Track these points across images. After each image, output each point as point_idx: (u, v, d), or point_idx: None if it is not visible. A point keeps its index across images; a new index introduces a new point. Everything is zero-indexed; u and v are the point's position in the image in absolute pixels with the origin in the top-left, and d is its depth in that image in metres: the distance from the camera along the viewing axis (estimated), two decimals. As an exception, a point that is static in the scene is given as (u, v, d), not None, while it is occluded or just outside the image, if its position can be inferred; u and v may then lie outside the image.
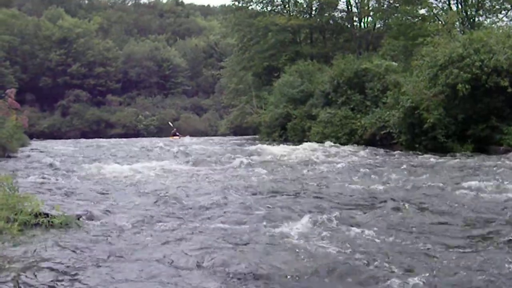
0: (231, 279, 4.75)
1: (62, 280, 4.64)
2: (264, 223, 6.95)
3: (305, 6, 48.45)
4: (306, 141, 27.62)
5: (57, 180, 11.95)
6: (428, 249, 5.67)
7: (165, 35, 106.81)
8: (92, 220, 7.20)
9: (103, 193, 9.95)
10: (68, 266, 5.03)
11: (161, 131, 76.47)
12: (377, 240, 6.00)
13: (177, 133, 52.93)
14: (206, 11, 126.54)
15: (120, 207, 8.35)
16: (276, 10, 49.30)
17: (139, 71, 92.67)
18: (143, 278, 4.73)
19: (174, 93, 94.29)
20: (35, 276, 4.69)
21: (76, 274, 4.80)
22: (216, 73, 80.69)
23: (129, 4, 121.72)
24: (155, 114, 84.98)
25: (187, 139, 45.40)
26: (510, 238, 5.94)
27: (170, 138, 49.09)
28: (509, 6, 34.89)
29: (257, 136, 46.20)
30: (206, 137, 56.08)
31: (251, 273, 4.86)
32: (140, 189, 10.49)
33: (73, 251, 5.57)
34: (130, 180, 12.05)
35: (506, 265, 4.91)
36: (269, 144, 27.82)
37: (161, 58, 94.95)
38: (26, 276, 4.64)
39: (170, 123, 61.02)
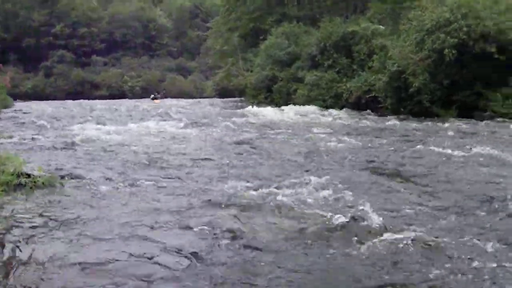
0: (212, 239, 4.80)
1: (42, 239, 4.64)
2: (250, 183, 6.98)
3: (293, -34, 47.82)
4: (293, 104, 27.57)
5: (40, 141, 11.88)
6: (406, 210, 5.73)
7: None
8: (76, 180, 7.18)
9: (87, 154, 9.91)
10: (49, 226, 5.03)
11: (146, 92, 75.97)
12: (365, 201, 6.04)
13: (157, 96, 52.03)
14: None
15: (103, 168, 8.32)
16: (263, -31, 48.65)
17: (124, 32, 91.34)
18: (124, 238, 4.74)
19: (160, 54, 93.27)
20: (13, 235, 4.69)
21: (57, 233, 4.80)
22: (201, 34, 79.80)
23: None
24: (140, 75, 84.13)
25: (167, 102, 44.55)
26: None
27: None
28: (498, -30, 34.66)
29: (243, 98, 46.08)
30: (191, 100, 55.71)
31: (232, 234, 4.91)
32: (124, 150, 10.45)
33: (56, 211, 5.56)
34: (114, 141, 11.98)
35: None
36: (255, 106, 27.71)
37: (146, 18, 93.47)
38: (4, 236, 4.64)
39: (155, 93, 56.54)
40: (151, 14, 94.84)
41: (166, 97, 56.71)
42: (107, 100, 52.03)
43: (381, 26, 30.74)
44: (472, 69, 20.93)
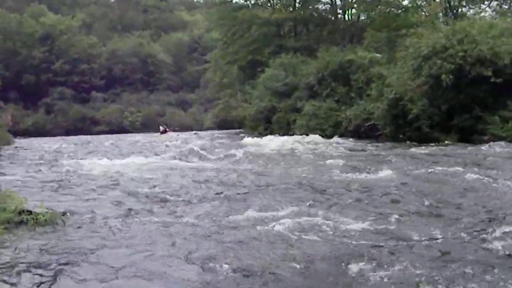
0: (216, 273, 4.77)
1: (48, 278, 4.62)
2: (251, 216, 6.96)
3: (288, -1, 48.45)
4: (292, 134, 27.63)
5: (42, 177, 11.89)
6: (411, 238, 5.73)
7: (149, 31, 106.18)
8: (78, 216, 7.17)
9: (88, 189, 9.90)
10: (54, 264, 5.02)
11: (146, 127, 76.20)
12: (363, 231, 6.03)
13: (167, 129, 49.50)
14: (190, 5, 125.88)
15: (105, 203, 8.31)
16: (259, 3, 49.37)
17: (123, 68, 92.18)
18: (127, 279, 4.72)
19: (159, 89, 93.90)
20: (20, 276, 4.67)
21: (62, 271, 4.79)
22: (200, 67, 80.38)
23: (112, 0, 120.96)
24: (140, 110, 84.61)
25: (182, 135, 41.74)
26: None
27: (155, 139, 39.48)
28: (491, -4, 35.10)
29: (242, 130, 46.18)
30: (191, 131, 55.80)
31: (236, 268, 4.87)
32: (125, 185, 10.45)
33: (59, 249, 5.55)
34: (115, 175, 11.98)
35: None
36: (255, 137, 27.76)
37: (145, 54, 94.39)
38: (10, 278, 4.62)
39: (160, 126, 52.26)
40: (150, 49, 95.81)
41: (174, 130, 54.83)
42: (116, 135, 52.04)
43: (378, 54, 31.03)
44: (469, 93, 21.01)
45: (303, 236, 5.87)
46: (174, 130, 52.96)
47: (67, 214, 7.07)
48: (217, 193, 9.05)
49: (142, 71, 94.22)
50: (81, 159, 17.25)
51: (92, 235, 6.18)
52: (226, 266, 4.89)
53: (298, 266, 4.87)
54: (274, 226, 6.38)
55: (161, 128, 48.94)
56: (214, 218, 7.06)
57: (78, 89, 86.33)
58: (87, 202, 8.33)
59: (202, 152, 18.12)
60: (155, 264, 5.02)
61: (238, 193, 9.03)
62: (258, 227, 6.39)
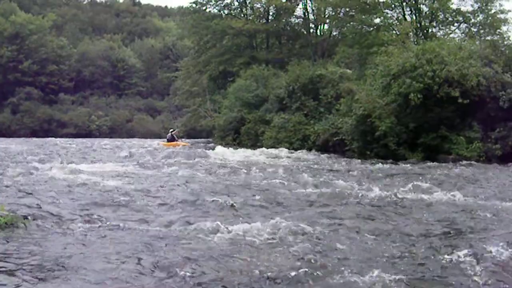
0: (170, 279, 4.75)
1: (5, 282, 4.51)
2: (209, 224, 6.90)
3: (262, 11, 48.59)
4: (260, 146, 27.62)
5: (3, 179, 11.64)
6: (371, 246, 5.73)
7: (121, 35, 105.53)
8: (39, 220, 7.02)
9: (51, 193, 9.71)
10: (12, 267, 4.90)
11: (113, 132, 75.59)
12: (326, 243, 6.02)
13: (175, 136, 38.05)
14: (163, 12, 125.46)
15: (66, 207, 8.16)
16: (233, 14, 49.37)
17: (93, 70, 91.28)
18: (85, 278, 4.64)
19: (128, 94, 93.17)
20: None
21: (18, 274, 4.68)
22: (171, 74, 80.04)
23: (84, 2, 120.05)
24: (108, 115, 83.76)
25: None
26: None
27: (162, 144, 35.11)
28: (461, 18, 35.70)
29: (210, 140, 46.04)
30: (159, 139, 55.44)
31: (191, 276, 4.84)
32: (85, 190, 10.30)
33: (19, 252, 5.43)
34: (77, 180, 11.80)
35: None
36: (222, 147, 27.70)
37: (116, 58, 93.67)
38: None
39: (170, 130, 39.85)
40: (121, 53, 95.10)
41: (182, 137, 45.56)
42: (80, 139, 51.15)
43: (348, 70, 31.28)
44: (437, 112, 21.31)
45: (260, 246, 5.87)
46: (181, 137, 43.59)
47: (29, 217, 6.92)
48: (179, 201, 8.97)
49: (112, 75, 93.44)
50: (44, 162, 16.98)
51: (53, 239, 6.06)
52: (182, 273, 4.85)
53: (254, 275, 4.83)
54: (232, 235, 6.38)
55: (169, 135, 37.64)
56: (173, 225, 7.01)
57: (46, 90, 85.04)
58: (49, 206, 8.16)
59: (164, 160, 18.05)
60: (111, 269, 4.96)
61: (196, 201, 8.99)
62: (212, 235, 6.39)
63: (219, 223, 6.89)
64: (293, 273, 4.84)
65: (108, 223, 7.07)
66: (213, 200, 9.05)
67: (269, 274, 4.87)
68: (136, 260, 5.29)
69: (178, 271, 4.90)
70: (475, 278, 4.87)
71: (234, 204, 8.62)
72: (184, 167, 15.74)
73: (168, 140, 36.31)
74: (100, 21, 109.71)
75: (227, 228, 6.70)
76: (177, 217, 7.60)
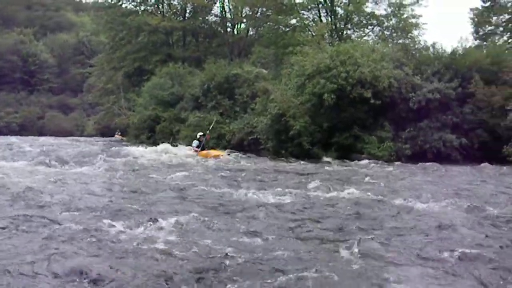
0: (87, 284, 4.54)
1: None
2: (122, 224, 6.64)
3: (179, 8, 48.00)
4: (175, 145, 27.07)
5: None
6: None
7: (32, 29, 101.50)
8: None
9: None
10: None
11: (23, 129, 72.69)
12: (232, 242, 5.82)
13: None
14: (77, 6, 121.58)
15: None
16: (149, 10, 48.49)
17: (1, 65, 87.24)
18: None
19: (40, 90, 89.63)
20: None
21: None
22: (85, 71, 77.92)
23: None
24: (18, 111, 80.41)
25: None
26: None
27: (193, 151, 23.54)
28: (375, 22, 36.66)
29: (124, 138, 45.20)
30: (71, 137, 53.88)
31: (107, 279, 4.63)
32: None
33: None
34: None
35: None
36: (136, 146, 27.11)
37: (26, 52, 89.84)
38: None
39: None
40: (32, 48, 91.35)
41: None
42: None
43: (264, 70, 31.34)
44: (350, 113, 21.69)
45: (175, 251, 5.62)
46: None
47: None
48: (98, 203, 8.57)
49: (23, 70, 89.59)
50: None
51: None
52: (95, 278, 4.63)
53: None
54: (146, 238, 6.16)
55: (195, 143, 24.03)
56: (91, 229, 6.59)
57: None
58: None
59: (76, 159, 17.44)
60: (29, 273, 4.76)
61: (103, 201, 8.63)
62: (125, 235, 6.20)
63: (122, 222, 6.63)
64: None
65: (18, 227, 6.68)
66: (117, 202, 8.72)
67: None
68: (33, 264, 5.01)
69: (93, 277, 4.68)
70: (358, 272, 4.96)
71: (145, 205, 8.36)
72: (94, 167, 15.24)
73: (201, 148, 23.51)
74: (9, 13, 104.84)
75: (130, 228, 6.44)
76: (91, 219, 7.23)
